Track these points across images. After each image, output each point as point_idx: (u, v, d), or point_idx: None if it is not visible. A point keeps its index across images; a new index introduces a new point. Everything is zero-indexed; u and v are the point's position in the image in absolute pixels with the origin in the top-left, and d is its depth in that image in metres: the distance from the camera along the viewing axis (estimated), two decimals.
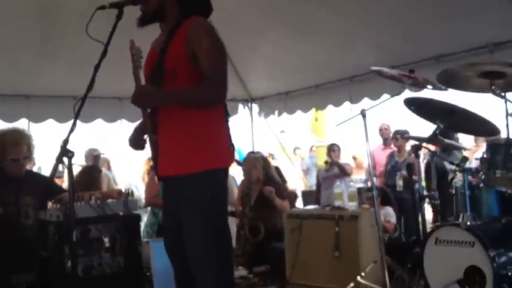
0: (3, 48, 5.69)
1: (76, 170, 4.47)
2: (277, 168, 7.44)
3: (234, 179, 6.69)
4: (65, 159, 2.60)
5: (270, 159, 7.45)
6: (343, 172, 6.50)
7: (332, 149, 6.74)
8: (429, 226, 4.19)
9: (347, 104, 6.80)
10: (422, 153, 3.96)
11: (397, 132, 6.61)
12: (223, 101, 2.76)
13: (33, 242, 3.89)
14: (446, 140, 3.74)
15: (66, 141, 2.64)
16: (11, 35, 5.59)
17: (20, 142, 3.95)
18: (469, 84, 3.34)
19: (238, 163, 5.65)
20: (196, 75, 2.63)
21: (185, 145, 2.65)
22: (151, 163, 5.90)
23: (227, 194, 2.91)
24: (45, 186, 4.04)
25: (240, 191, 5.73)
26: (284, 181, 6.96)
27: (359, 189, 4.79)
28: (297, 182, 9.48)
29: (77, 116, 2.63)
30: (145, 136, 2.90)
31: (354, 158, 8.33)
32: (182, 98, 2.62)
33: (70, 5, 5.39)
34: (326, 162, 6.71)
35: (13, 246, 3.80)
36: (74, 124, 2.65)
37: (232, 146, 2.82)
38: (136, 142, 2.92)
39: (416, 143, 3.75)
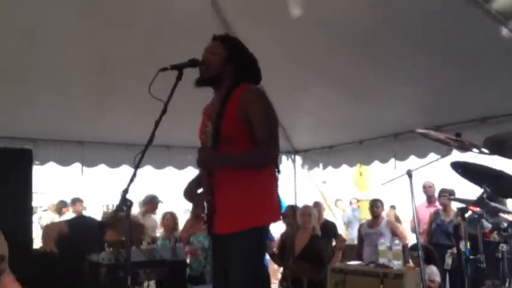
0: (63, 98, 5.99)
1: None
2: (333, 224, 7.52)
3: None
4: (124, 208, 2.81)
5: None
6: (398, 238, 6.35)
7: (375, 205, 6.71)
8: None
9: (392, 160, 6.86)
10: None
11: (444, 191, 6.60)
12: (276, 161, 2.96)
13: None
14: (493, 204, 3.75)
15: (126, 191, 2.83)
16: (71, 85, 5.90)
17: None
18: None
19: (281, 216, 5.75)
20: (250, 139, 2.82)
21: (239, 206, 2.83)
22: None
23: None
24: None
25: (283, 241, 5.80)
26: (337, 237, 7.10)
27: (404, 248, 4.79)
28: None
29: (136, 168, 2.84)
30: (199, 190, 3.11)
31: (389, 216, 8.28)
32: (240, 162, 2.82)
33: (124, 57, 5.68)
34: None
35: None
36: (134, 175, 2.84)
37: (279, 204, 3.02)
38: (190, 195, 3.12)
39: (463, 205, 3.78)
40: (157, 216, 7.90)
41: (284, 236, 5.83)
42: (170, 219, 6.85)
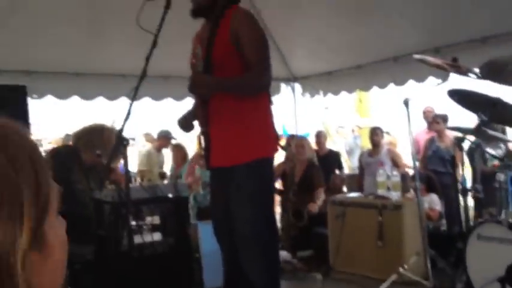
0: (57, 30, 5.85)
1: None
2: (337, 154, 7.54)
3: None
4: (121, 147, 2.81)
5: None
6: (396, 166, 6.28)
7: (375, 133, 6.67)
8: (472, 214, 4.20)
9: (392, 85, 6.78)
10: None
11: (437, 116, 6.52)
12: (268, 88, 2.90)
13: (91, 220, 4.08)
14: (491, 132, 3.72)
15: (121, 130, 2.83)
16: (65, 17, 5.76)
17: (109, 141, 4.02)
18: None
19: (282, 147, 5.75)
20: (241, 64, 2.77)
21: (235, 137, 2.81)
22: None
23: (274, 181, 3.06)
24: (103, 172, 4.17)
25: (281, 171, 5.82)
26: (341, 167, 7.23)
27: (403, 176, 4.80)
28: None
29: (130, 106, 2.83)
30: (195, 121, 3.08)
31: (390, 143, 8.24)
32: (233, 85, 2.79)
33: None
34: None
35: (75, 220, 3.95)
36: (129, 113, 2.84)
37: (276, 135, 2.97)
38: (186, 125, 3.11)
39: (460, 134, 3.76)
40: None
41: (282, 167, 5.84)
42: (179, 151, 6.84)
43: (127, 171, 3.19)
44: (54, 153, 4.05)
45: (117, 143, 2.89)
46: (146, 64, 2.74)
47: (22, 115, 4.93)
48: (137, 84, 2.81)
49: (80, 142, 4.09)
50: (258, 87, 2.84)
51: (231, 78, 2.79)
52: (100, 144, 3.98)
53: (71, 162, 3.94)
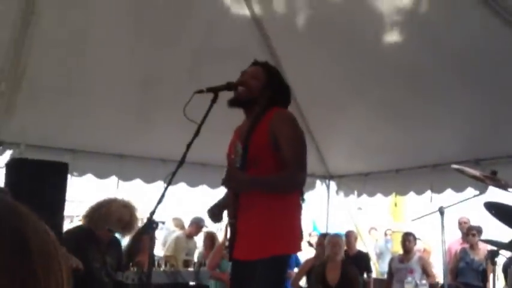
0: (106, 111, 6.15)
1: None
2: (366, 256, 7.36)
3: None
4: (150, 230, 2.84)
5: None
6: (426, 274, 6.12)
7: (407, 239, 6.54)
8: None
9: (428, 192, 6.70)
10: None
11: (472, 228, 6.41)
12: (302, 187, 2.93)
13: None
14: None
15: (152, 213, 2.87)
16: (114, 100, 6.07)
17: (110, 214, 4.10)
18: None
19: (310, 244, 5.69)
20: (276, 163, 2.83)
21: (261, 232, 2.83)
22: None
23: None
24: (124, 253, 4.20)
25: (309, 267, 5.70)
26: (369, 270, 7.01)
27: (431, 286, 4.64)
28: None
29: (165, 190, 2.87)
30: (224, 212, 3.11)
31: (424, 250, 8.05)
32: (268, 184, 2.84)
33: (168, 77, 5.84)
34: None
35: None
36: (162, 197, 2.88)
37: (301, 234, 3.00)
38: (215, 215, 3.13)
39: (494, 248, 3.67)
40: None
41: (311, 263, 5.71)
42: (209, 239, 6.87)
43: (151, 255, 3.22)
44: (70, 234, 4.12)
45: (145, 224, 2.93)
46: (186, 151, 2.79)
47: (60, 191, 5.03)
48: (174, 171, 2.87)
49: (87, 220, 4.16)
50: (292, 187, 2.89)
51: (266, 178, 2.84)
52: (104, 219, 4.04)
53: (86, 241, 4.00)
